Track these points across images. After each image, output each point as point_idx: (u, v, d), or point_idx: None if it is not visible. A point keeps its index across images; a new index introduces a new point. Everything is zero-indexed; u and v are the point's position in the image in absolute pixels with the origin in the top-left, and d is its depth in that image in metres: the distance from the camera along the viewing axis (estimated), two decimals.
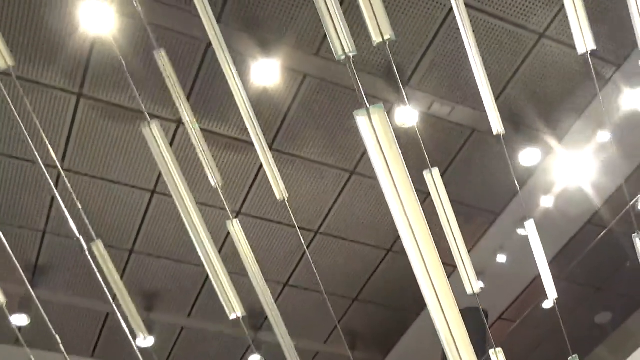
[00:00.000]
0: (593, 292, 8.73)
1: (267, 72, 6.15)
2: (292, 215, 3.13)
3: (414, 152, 6.56)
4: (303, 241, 7.31)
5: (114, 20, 5.63)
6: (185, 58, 6.14)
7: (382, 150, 1.56)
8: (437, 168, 2.68)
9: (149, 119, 2.02)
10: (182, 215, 2.02)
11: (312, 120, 6.79)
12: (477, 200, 7.55)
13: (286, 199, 2.76)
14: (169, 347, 8.63)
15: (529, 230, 3.74)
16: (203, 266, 8.65)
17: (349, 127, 6.90)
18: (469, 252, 8.72)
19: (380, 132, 1.53)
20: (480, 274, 8.35)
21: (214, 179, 2.90)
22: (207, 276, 8.44)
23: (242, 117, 6.92)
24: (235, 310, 2.18)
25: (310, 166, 7.12)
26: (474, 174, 7.33)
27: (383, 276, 8.37)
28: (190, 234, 2.07)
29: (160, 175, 7.15)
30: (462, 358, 2.18)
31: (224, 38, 6.48)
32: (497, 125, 3.37)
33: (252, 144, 6.98)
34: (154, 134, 2.04)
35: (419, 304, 8.80)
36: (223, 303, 2.16)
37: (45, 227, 7.39)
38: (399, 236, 6.80)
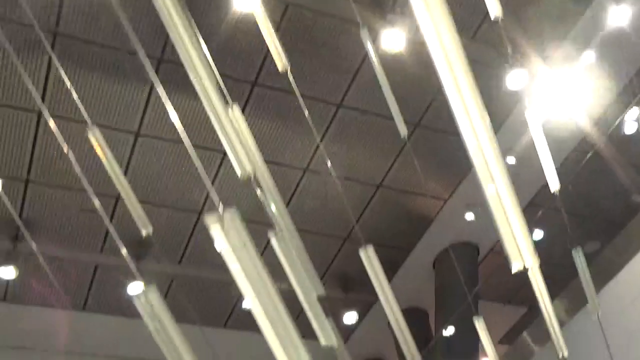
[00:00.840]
0: (580, 220, 8.79)
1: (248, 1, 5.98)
2: (295, 87, 3.03)
3: (403, 78, 6.50)
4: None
5: None
6: None
7: None
8: None
9: None
10: (184, 60, 1.88)
11: (295, 52, 6.66)
12: None
13: (288, 70, 2.66)
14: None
15: (531, 122, 3.69)
16: (192, 211, 8.49)
17: (333, 58, 6.79)
18: (459, 184, 8.67)
19: None
20: (470, 206, 8.36)
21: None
22: (197, 222, 8.33)
23: (222, 47, 6.73)
24: (244, 167, 2.09)
25: (295, 100, 6.99)
26: None
27: (373, 214, 8.34)
28: (196, 85, 1.95)
29: (143, 116, 7.00)
30: (506, 209, 2.14)
31: None
32: (494, 9, 3.30)
33: (236, 80, 6.84)
34: None
35: (411, 241, 8.81)
36: (234, 163, 2.07)
37: (28, 176, 7.21)
38: (388, 170, 6.75)
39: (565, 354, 3.13)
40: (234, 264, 1.39)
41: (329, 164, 4.71)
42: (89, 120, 3.00)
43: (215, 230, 1.37)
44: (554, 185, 3.82)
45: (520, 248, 2.22)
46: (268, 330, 1.44)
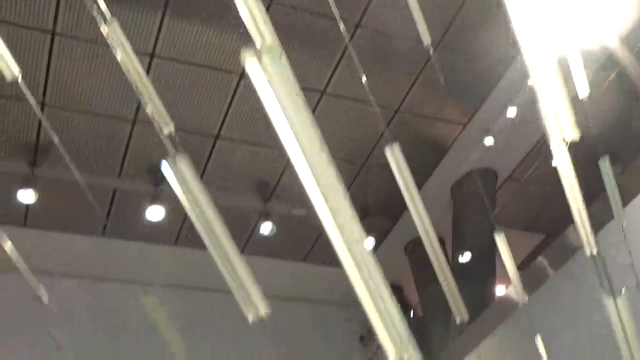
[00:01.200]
0: (603, 146, 8.63)
1: None
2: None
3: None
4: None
5: None
6: None
7: None
8: None
9: None
10: None
11: None
12: (488, 52, 7.32)
13: None
14: (180, 222, 8.58)
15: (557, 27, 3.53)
16: (208, 135, 8.40)
17: None
18: (478, 109, 8.49)
19: None
20: (489, 131, 8.23)
21: None
22: (214, 146, 8.26)
23: None
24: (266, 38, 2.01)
25: (310, 19, 6.82)
26: (484, 24, 7.06)
27: (391, 139, 8.23)
28: None
29: (157, 37, 6.87)
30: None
31: None
32: None
33: None
34: None
35: (429, 167, 8.74)
36: (254, 33, 1.99)
37: (44, 99, 7.16)
38: (406, 95, 6.56)
39: (594, 251, 3.09)
40: (274, 106, 1.31)
41: (364, 78, 4.55)
42: (108, 15, 2.88)
43: (252, 67, 1.28)
44: (583, 91, 3.67)
45: (561, 120, 2.15)
46: (310, 181, 1.35)
